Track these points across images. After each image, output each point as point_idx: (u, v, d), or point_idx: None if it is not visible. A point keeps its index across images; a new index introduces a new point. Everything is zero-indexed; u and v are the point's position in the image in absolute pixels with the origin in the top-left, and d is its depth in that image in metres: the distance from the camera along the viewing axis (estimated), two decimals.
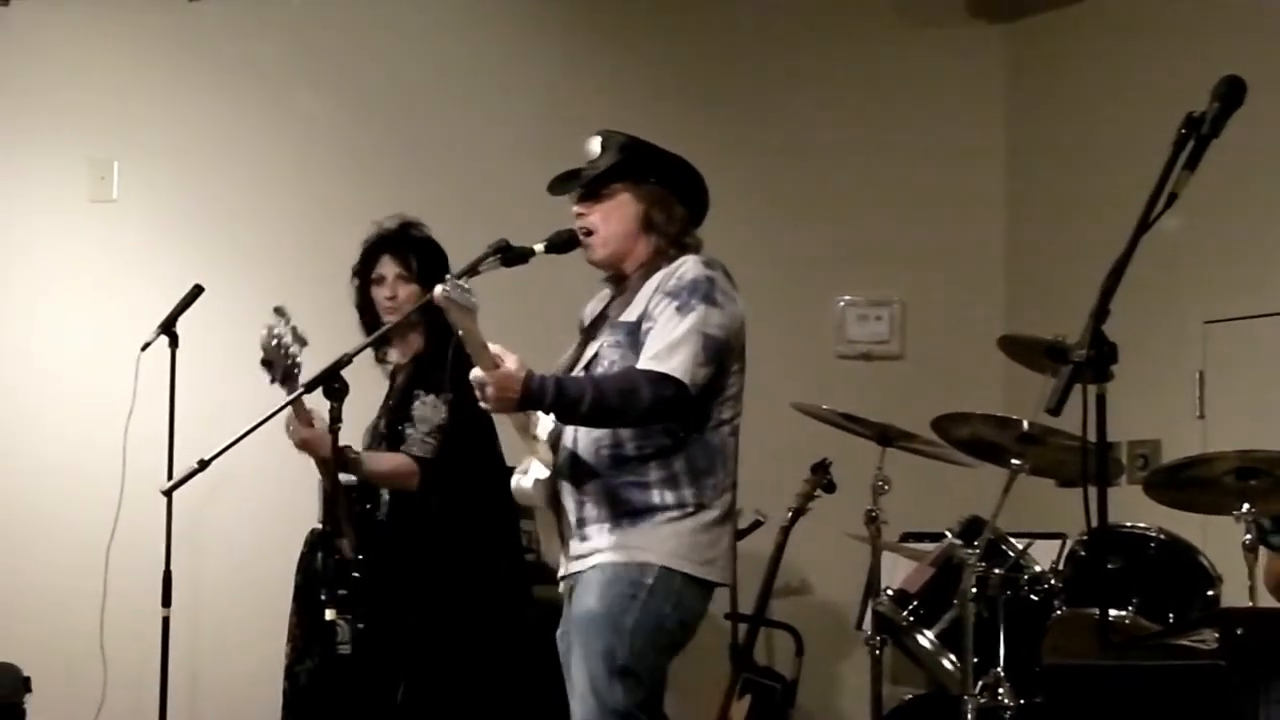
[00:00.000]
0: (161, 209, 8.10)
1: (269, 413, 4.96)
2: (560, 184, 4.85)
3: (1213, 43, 7.07)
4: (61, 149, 8.11)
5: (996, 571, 5.79)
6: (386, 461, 5.76)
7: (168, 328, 7.01)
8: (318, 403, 5.21)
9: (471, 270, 4.93)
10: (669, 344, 4.52)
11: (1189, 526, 5.96)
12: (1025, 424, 5.71)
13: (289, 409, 5.47)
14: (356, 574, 5.81)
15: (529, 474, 4.72)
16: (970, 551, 5.79)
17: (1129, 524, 5.82)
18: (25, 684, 7.29)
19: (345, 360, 5.11)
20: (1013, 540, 5.93)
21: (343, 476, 5.58)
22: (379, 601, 5.83)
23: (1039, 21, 7.98)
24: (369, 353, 5.88)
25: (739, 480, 4.82)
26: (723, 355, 4.61)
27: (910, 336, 7.99)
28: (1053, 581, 5.84)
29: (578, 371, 4.74)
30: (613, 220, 4.74)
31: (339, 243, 7.47)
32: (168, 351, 7.01)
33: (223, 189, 8.09)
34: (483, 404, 4.51)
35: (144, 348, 7.00)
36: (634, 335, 4.62)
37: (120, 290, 7.96)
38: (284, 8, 8.15)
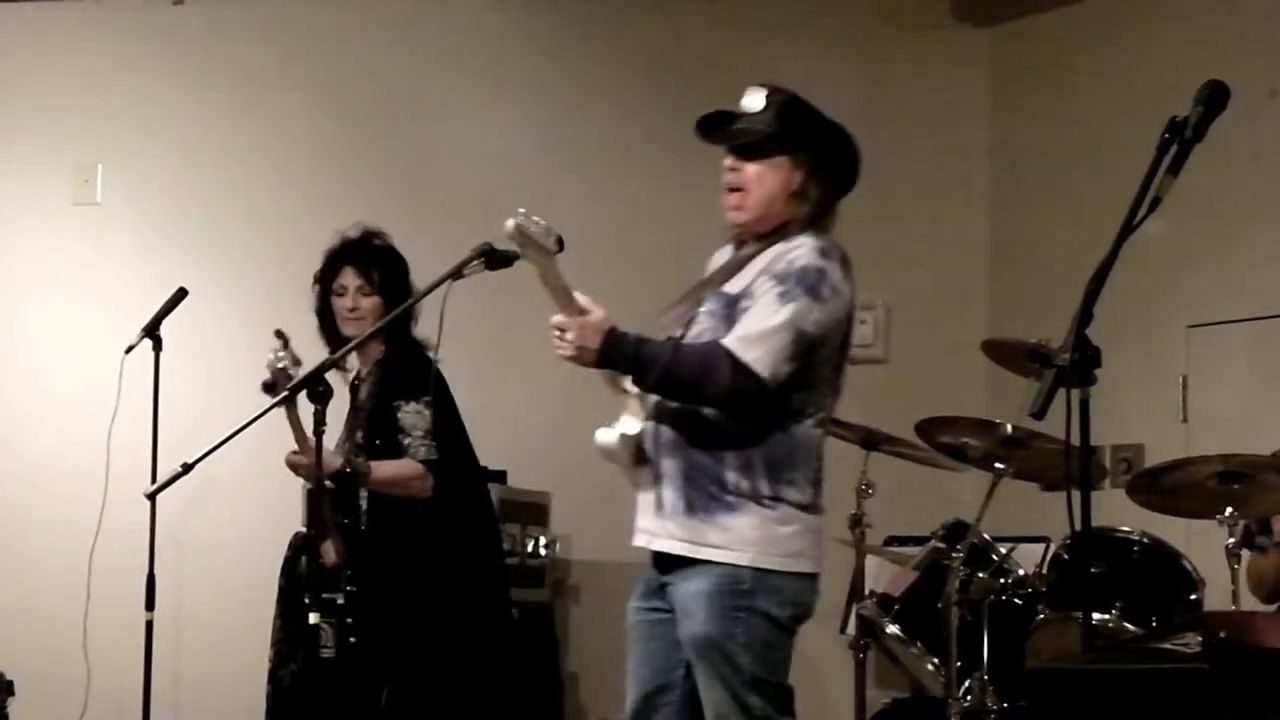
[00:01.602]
0: (146, 212, 8.10)
1: (252, 416, 4.95)
2: (712, 129, 4.67)
3: (1195, 47, 7.08)
4: (45, 152, 8.11)
5: (980, 575, 5.80)
6: (391, 467, 5.74)
7: (152, 331, 7.00)
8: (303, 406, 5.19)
9: (456, 273, 4.93)
10: (761, 332, 4.37)
11: (1172, 530, 5.97)
12: (1009, 428, 5.72)
13: (295, 436, 5.48)
14: (351, 586, 5.82)
15: (615, 428, 4.53)
16: (954, 555, 5.80)
17: (1112, 528, 5.83)
18: (8, 688, 7.28)
19: (329, 364, 5.12)
20: (996, 544, 5.94)
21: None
22: (363, 606, 5.84)
23: (1023, 25, 7.99)
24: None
25: None
26: (814, 353, 4.45)
27: (894, 340, 8.00)
28: (1036, 585, 5.85)
29: (678, 327, 4.57)
30: (766, 183, 4.57)
31: (324, 246, 7.48)
32: (151, 355, 6.99)
33: (207, 192, 8.09)
34: (557, 351, 4.37)
35: (128, 351, 6.99)
36: (731, 309, 4.46)
37: (104, 293, 7.96)
38: (268, 11, 8.14)
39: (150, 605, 6.90)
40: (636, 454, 4.52)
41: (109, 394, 7.05)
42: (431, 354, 5.85)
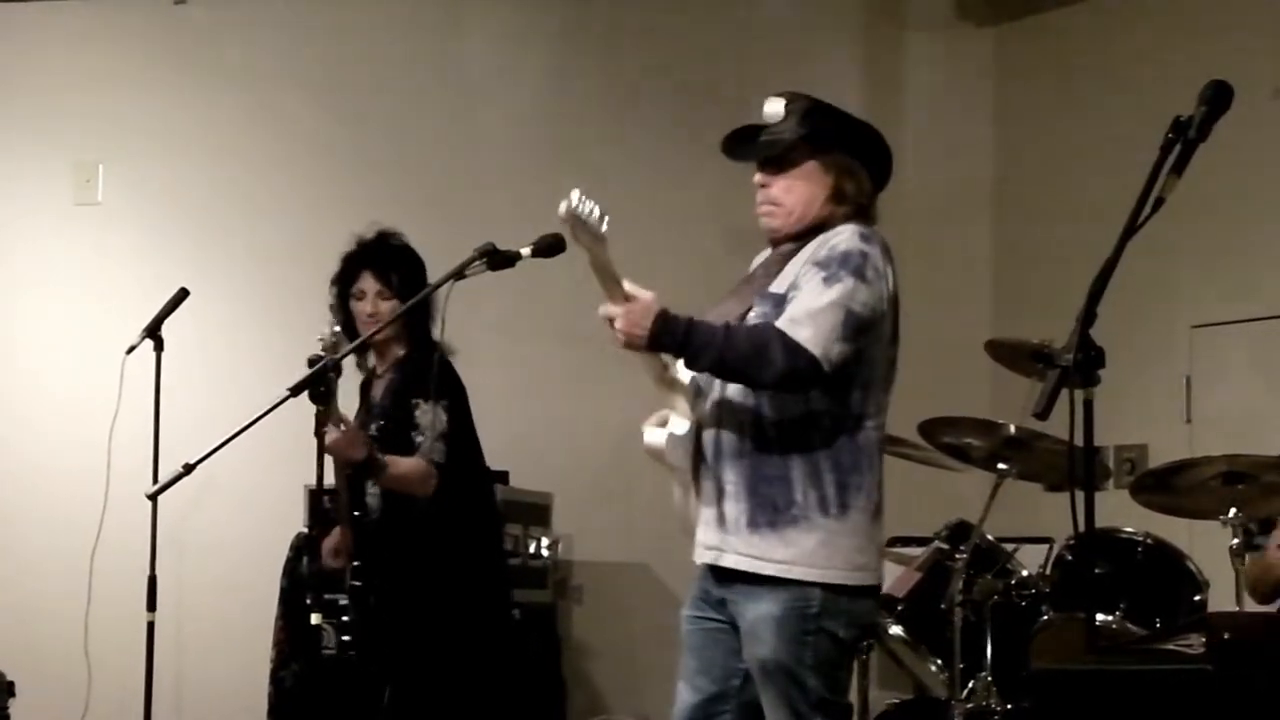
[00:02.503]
0: (147, 212, 8.09)
1: (254, 417, 4.94)
2: (738, 146, 4.61)
3: (1199, 46, 7.07)
4: (46, 152, 8.10)
5: (984, 576, 5.80)
6: (407, 464, 5.73)
7: (153, 331, 6.99)
8: (304, 405, 5.18)
9: (458, 274, 4.91)
10: (809, 311, 4.29)
11: (1176, 531, 5.97)
12: (1012, 428, 5.71)
13: (330, 415, 5.45)
14: (356, 581, 5.81)
15: (665, 427, 4.45)
16: (957, 556, 5.79)
17: (1116, 529, 5.82)
18: (9, 689, 7.27)
19: (330, 364, 5.10)
20: (1000, 545, 5.93)
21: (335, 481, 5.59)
22: (367, 603, 5.83)
23: (1026, 24, 7.99)
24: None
25: None
26: (866, 335, 4.37)
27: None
28: (1040, 586, 5.84)
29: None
30: (797, 192, 4.50)
31: (325, 246, 7.46)
32: (153, 355, 6.98)
33: (208, 192, 8.09)
34: (613, 341, 4.31)
35: (129, 351, 6.98)
36: (781, 307, 4.38)
37: (105, 293, 7.95)
38: (269, 11, 8.14)
39: (152, 606, 6.88)
40: (689, 454, 4.45)
41: (110, 394, 7.04)
42: (452, 358, 5.86)
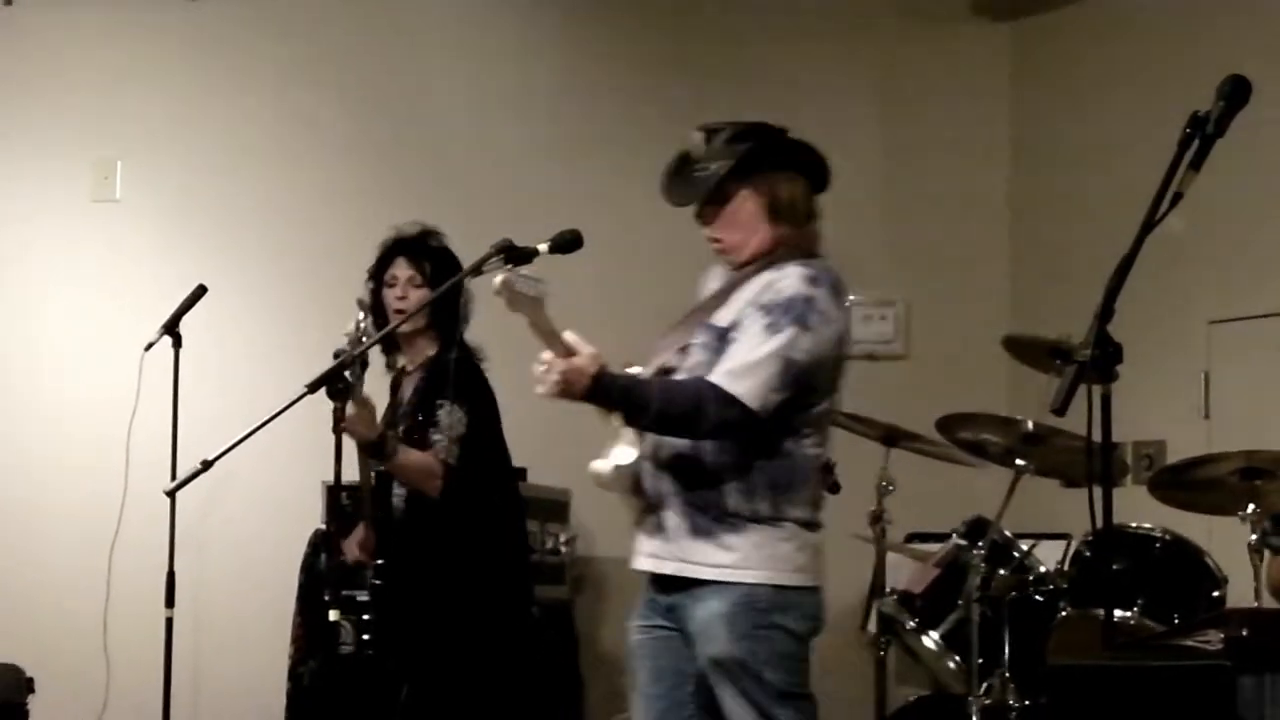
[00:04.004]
0: (165, 209, 8.10)
1: (272, 413, 4.94)
2: (674, 191, 4.65)
3: (1218, 41, 7.06)
4: (64, 149, 8.11)
5: (1001, 572, 5.80)
6: (417, 457, 5.73)
7: (171, 328, 7.00)
8: (322, 402, 5.17)
9: (476, 270, 4.91)
10: (747, 364, 4.37)
11: (1194, 527, 5.96)
12: (1030, 424, 5.71)
13: (352, 393, 5.46)
14: (377, 579, 5.82)
15: (610, 458, 4.53)
16: (975, 552, 5.79)
17: (1134, 524, 5.81)
18: (28, 685, 7.29)
19: (348, 360, 5.10)
20: (1017, 541, 5.93)
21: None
22: (387, 601, 5.84)
23: (1043, 20, 7.97)
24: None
25: None
26: (806, 380, 4.42)
27: (915, 337, 7.99)
28: (1058, 582, 5.84)
29: (673, 355, 4.59)
30: (734, 224, 4.56)
31: (343, 242, 7.50)
32: (171, 352, 7.00)
33: (226, 189, 8.09)
34: (539, 387, 4.37)
35: (147, 348, 7.00)
36: (722, 341, 4.46)
37: (123, 290, 7.96)
38: (287, 7, 8.14)
39: (170, 602, 6.90)
40: (633, 483, 4.54)
41: (129, 391, 7.06)
42: (483, 363, 5.86)
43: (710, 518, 4.46)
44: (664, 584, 4.57)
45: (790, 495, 4.48)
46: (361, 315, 5.61)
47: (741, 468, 4.46)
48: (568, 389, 4.34)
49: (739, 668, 4.45)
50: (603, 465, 4.54)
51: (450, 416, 5.73)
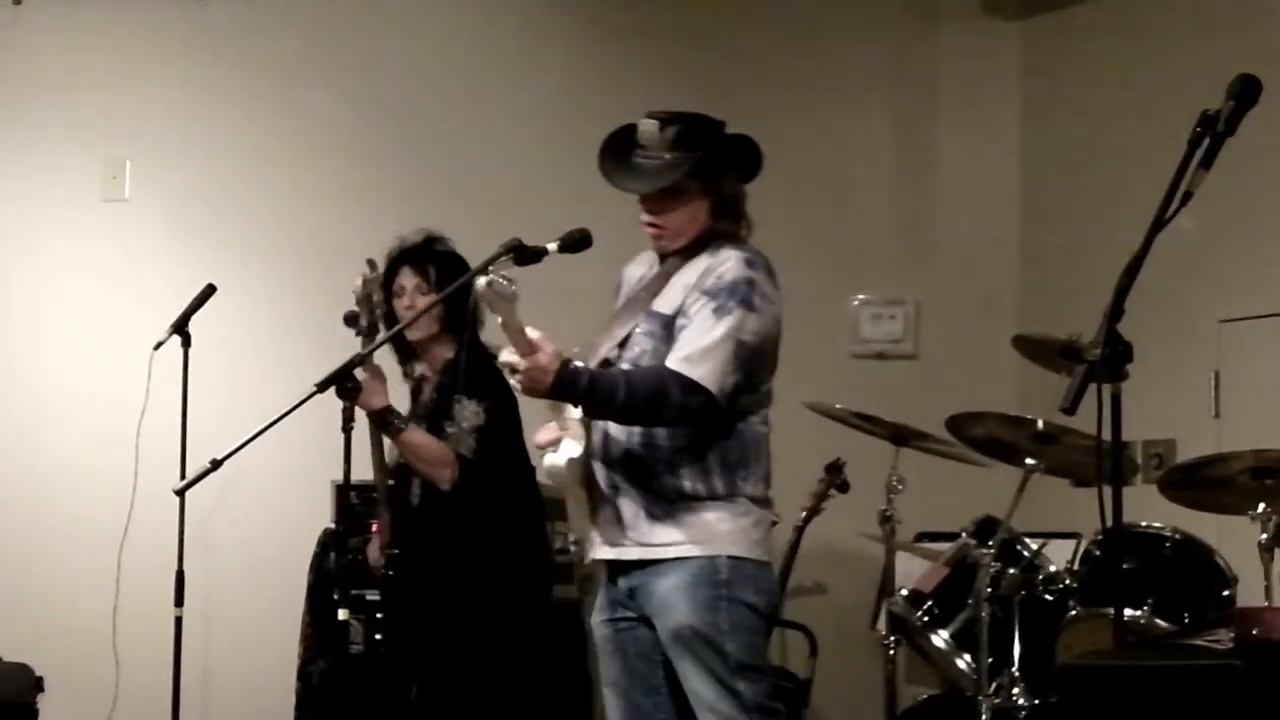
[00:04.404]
0: (174, 208, 8.09)
1: (281, 412, 4.94)
2: (619, 176, 4.71)
3: (1230, 40, 7.05)
4: (73, 148, 8.11)
5: (1011, 571, 5.79)
6: (427, 440, 5.72)
7: (180, 327, 7.01)
8: (331, 401, 5.17)
9: (484, 269, 4.91)
10: (702, 349, 4.49)
11: (1204, 526, 5.94)
12: (1040, 423, 5.70)
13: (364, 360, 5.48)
14: (390, 570, 5.82)
15: (560, 452, 4.64)
16: (985, 551, 5.78)
17: (1144, 524, 5.80)
18: (38, 684, 7.29)
19: (357, 360, 5.10)
20: (1027, 540, 5.92)
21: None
22: (399, 596, 5.83)
23: (1053, 18, 7.96)
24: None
25: None
26: (755, 362, 4.57)
27: (925, 336, 7.98)
28: (1067, 581, 5.83)
29: (612, 348, 4.70)
30: (684, 218, 4.67)
31: (353, 242, 7.46)
32: (180, 351, 7.01)
33: (235, 188, 8.09)
34: (514, 386, 4.51)
35: (157, 347, 7.00)
36: (669, 329, 4.58)
37: (133, 289, 7.96)
38: (296, 5, 8.14)
39: (179, 601, 6.91)
40: (583, 476, 4.64)
41: (138, 390, 7.07)
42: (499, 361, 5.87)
43: (666, 500, 4.57)
44: (624, 569, 4.67)
45: (743, 473, 4.61)
46: (369, 271, 5.64)
47: (694, 450, 4.57)
48: (533, 385, 4.44)
49: (698, 639, 4.53)
50: (557, 459, 4.63)
51: (464, 409, 5.75)
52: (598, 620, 4.80)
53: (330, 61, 8.13)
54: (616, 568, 4.69)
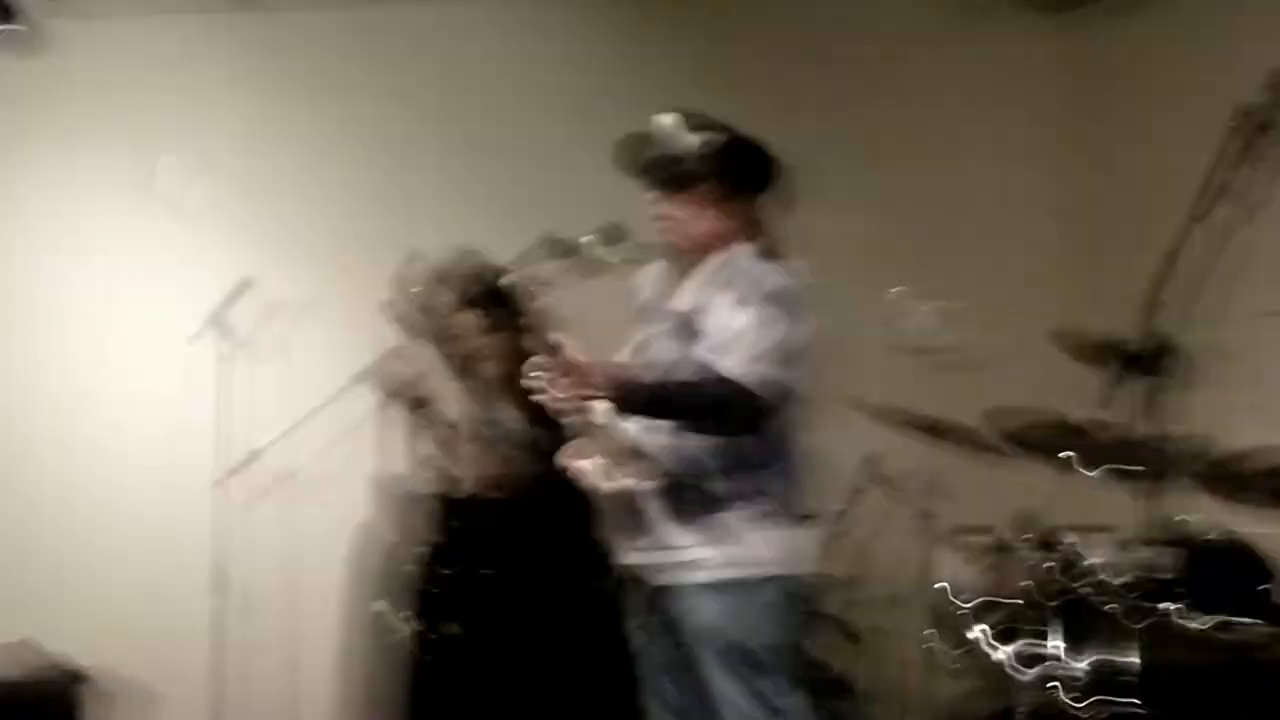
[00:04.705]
0: (212, 204, 8.13)
1: (318, 405, 4.96)
2: (633, 162, 4.80)
3: (1266, 35, 7.01)
4: (118, 148, 8.16)
5: (1051, 566, 5.77)
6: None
7: (216, 320, 7.04)
8: (368, 394, 5.18)
9: (521, 265, 4.93)
10: (728, 341, 4.51)
11: (1244, 521, 5.92)
12: (1079, 419, 5.68)
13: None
14: (447, 569, 5.84)
15: (593, 456, 4.70)
16: (1024, 546, 5.77)
17: (1184, 519, 5.78)
18: (80, 676, 7.33)
19: (394, 356, 5.12)
20: (1067, 535, 5.90)
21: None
22: (450, 587, 5.85)
23: (1089, 12, 7.93)
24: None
25: None
26: (780, 352, 4.58)
27: (963, 331, 7.95)
28: (1108, 578, 5.81)
29: (633, 351, 4.71)
30: (694, 210, 4.73)
31: (389, 235, 7.50)
32: (217, 344, 7.03)
33: (273, 185, 8.13)
34: (544, 391, 4.46)
35: (192, 340, 7.03)
36: (685, 326, 4.60)
37: (169, 284, 8.00)
38: (343, 14, 8.17)
39: (219, 593, 6.94)
40: (613, 478, 4.69)
41: (175, 383, 7.09)
42: None
43: (694, 504, 4.58)
44: (653, 573, 4.69)
45: (771, 474, 4.62)
46: (420, 268, 5.64)
47: (723, 451, 4.57)
48: (579, 390, 4.42)
49: (724, 640, 4.57)
50: (589, 464, 4.69)
51: (513, 422, 5.74)
52: (634, 626, 4.83)
53: (373, 63, 8.15)
54: (645, 571, 4.72)
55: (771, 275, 4.61)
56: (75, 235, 8.20)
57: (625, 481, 4.67)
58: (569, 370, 4.37)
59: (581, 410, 4.54)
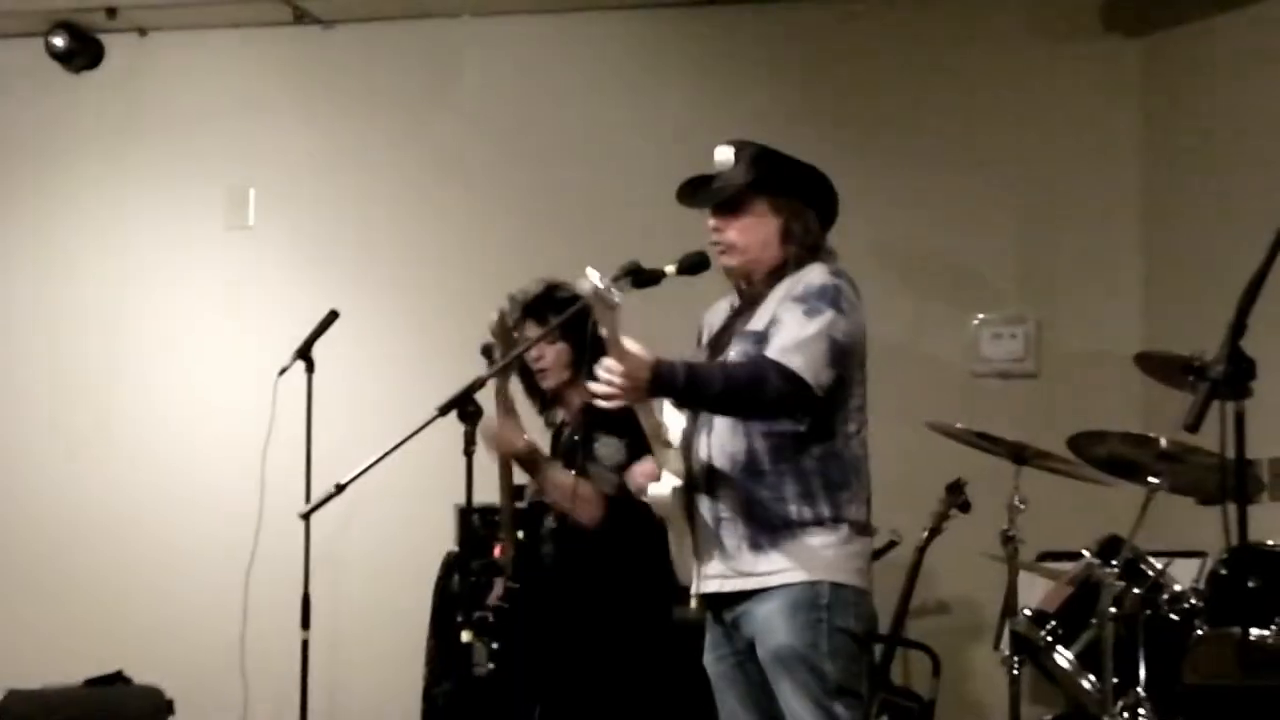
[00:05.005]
0: (297, 235, 8.19)
1: (405, 436, 4.98)
2: (692, 194, 4.85)
3: None
4: (198, 177, 8.24)
5: (1135, 591, 5.74)
6: (575, 481, 5.71)
7: (304, 353, 7.09)
8: (453, 425, 5.20)
9: (604, 295, 4.95)
10: (797, 341, 4.53)
11: None
12: (1163, 442, 5.65)
13: (498, 408, 5.54)
14: (513, 583, 5.85)
15: (664, 482, 4.71)
16: (1109, 571, 5.74)
17: (1270, 542, 5.73)
18: (168, 706, 7.39)
19: (478, 384, 5.12)
20: (1151, 559, 5.87)
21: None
22: (515, 625, 5.86)
23: (1174, 35, 7.89)
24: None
25: (874, 499, 4.82)
26: (847, 361, 4.61)
27: (1045, 354, 7.93)
28: (1193, 601, 5.77)
29: None
30: (750, 233, 4.75)
31: (473, 265, 7.55)
32: (304, 376, 7.08)
33: (357, 214, 8.18)
34: (601, 390, 4.47)
35: (281, 373, 7.08)
36: (761, 344, 4.62)
37: (257, 316, 8.07)
38: (420, 33, 8.21)
39: (306, 624, 6.97)
40: (684, 506, 4.71)
41: (263, 416, 7.14)
42: None
43: (772, 529, 4.60)
44: (727, 601, 4.70)
45: (846, 495, 4.65)
46: (507, 307, 5.67)
47: (798, 474, 4.61)
48: (634, 382, 4.43)
49: (798, 660, 4.57)
50: (662, 490, 4.70)
51: (606, 448, 5.74)
52: (709, 659, 4.85)
53: (451, 87, 8.19)
54: (720, 601, 4.73)
55: (840, 286, 4.64)
56: (158, 267, 8.27)
57: (698, 503, 4.69)
58: (623, 358, 4.38)
59: (640, 401, 4.55)
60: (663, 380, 4.47)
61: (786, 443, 4.61)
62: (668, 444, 4.71)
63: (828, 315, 4.56)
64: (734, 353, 4.69)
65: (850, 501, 4.65)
